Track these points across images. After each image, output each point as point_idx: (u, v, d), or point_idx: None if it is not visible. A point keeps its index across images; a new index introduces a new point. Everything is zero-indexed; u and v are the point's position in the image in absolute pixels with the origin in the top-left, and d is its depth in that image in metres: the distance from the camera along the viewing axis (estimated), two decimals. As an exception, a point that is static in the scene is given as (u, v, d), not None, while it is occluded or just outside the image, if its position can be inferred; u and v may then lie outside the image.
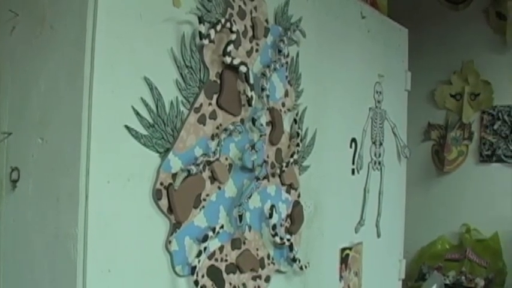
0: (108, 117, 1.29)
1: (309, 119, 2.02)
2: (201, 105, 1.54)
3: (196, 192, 1.53)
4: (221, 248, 1.62)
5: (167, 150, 1.44)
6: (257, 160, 1.71)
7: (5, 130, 1.42)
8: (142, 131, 1.36)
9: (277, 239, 1.81)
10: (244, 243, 1.71)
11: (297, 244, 1.94)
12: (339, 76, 2.25)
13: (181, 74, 1.48)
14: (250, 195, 1.70)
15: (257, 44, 1.77)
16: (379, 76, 2.59)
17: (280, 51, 1.84)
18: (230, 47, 1.59)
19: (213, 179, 1.59)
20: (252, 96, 1.66)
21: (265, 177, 1.77)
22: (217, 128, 1.60)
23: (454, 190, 4.19)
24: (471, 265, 3.90)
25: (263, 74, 1.76)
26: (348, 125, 2.35)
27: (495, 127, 4.04)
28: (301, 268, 1.94)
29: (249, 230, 1.73)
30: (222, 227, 1.59)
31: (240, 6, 1.69)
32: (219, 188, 1.62)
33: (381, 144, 2.61)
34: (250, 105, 1.68)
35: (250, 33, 1.73)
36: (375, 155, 2.56)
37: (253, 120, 1.70)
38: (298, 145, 1.93)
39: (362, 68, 2.45)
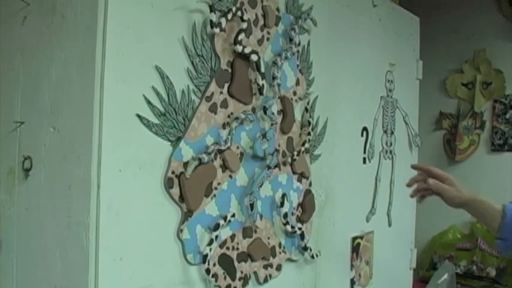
0: (119, 106, 1.29)
1: (320, 107, 2.02)
2: (212, 94, 1.54)
3: (208, 180, 1.53)
4: (232, 237, 1.63)
5: (178, 139, 1.44)
6: (268, 149, 1.71)
7: (17, 119, 1.43)
8: (154, 119, 1.37)
9: (289, 228, 1.81)
10: (255, 231, 1.72)
11: (308, 233, 1.95)
12: (350, 65, 2.25)
13: (192, 62, 1.48)
14: (262, 184, 1.70)
15: (268, 33, 1.76)
16: (391, 65, 2.58)
17: (291, 39, 1.84)
18: (241, 36, 1.59)
19: (225, 167, 1.59)
20: (263, 85, 1.66)
21: (277, 165, 1.77)
22: (229, 116, 1.60)
23: (465, 179, 4.10)
24: (482, 254, 3.88)
25: (274, 63, 1.75)
26: (359, 114, 2.34)
27: (507, 116, 4.01)
28: (312, 257, 1.94)
29: (260, 219, 1.73)
30: (233, 215, 1.60)
31: (251, -6, 1.69)
32: (231, 176, 1.62)
33: (392, 133, 2.60)
34: (261, 93, 1.68)
35: (261, 22, 1.73)
36: (386, 143, 2.55)
37: (265, 109, 1.70)
38: (309, 134, 1.93)
39: (373, 56, 2.44)
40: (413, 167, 1.85)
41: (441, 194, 1.73)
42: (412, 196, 1.82)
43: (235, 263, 1.64)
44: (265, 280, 1.76)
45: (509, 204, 1.65)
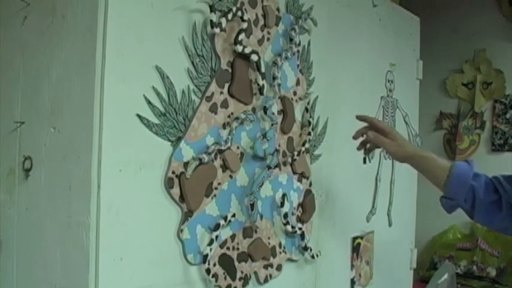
0: (119, 106, 1.29)
1: (320, 107, 2.02)
2: (212, 94, 1.54)
3: (208, 180, 1.53)
4: (233, 237, 1.63)
5: (179, 139, 1.44)
6: (268, 149, 1.71)
7: (17, 119, 1.43)
8: (154, 119, 1.36)
9: (289, 228, 1.81)
10: (255, 231, 1.71)
11: (308, 233, 1.94)
12: (351, 65, 2.24)
13: (192, 62, 1.47)
14: (262, 184, 1.70)
15: (268, 33, 1.76)
16: (391, 65, 2.58)
17: (291, 39, 1.84)
18: (241, 36, 1.59)
19: (225, 167, 1.59)
20: (263, 85, 1.66)
21: (277, 165, 1.77)
22: (229, 116, 1.60)
23: (465, 179, 4.15)
24: (483, 254, 3.88)
25: (274, 63, 1.75)
26: (359, 114, 2.33)
27: (507, 116, 4.01)
28: (312, 257, 1.94)
29: (261, 219, 1.73)
30: (233, 215, 1.60)
31: (251, -6, 1.69)
32: (231, 176, 1.62)
33: (392, 133, 2.60)
34: (261, 93, 1.68)
35: (261, 22, 1.73)
36: (387, 143, 2.55)
37: (265, 109, 1.70)
38: (309, 134, 1.93)
39: (373, 56, 2.44)
40: (358, 117, 1.86)
41: (382, 147, 1.78)
42: (358, 149, 1.87)
43: (236, 263, 1.64)
44: (266, 280, 1.76)
45: (460, 162, 1.64)
